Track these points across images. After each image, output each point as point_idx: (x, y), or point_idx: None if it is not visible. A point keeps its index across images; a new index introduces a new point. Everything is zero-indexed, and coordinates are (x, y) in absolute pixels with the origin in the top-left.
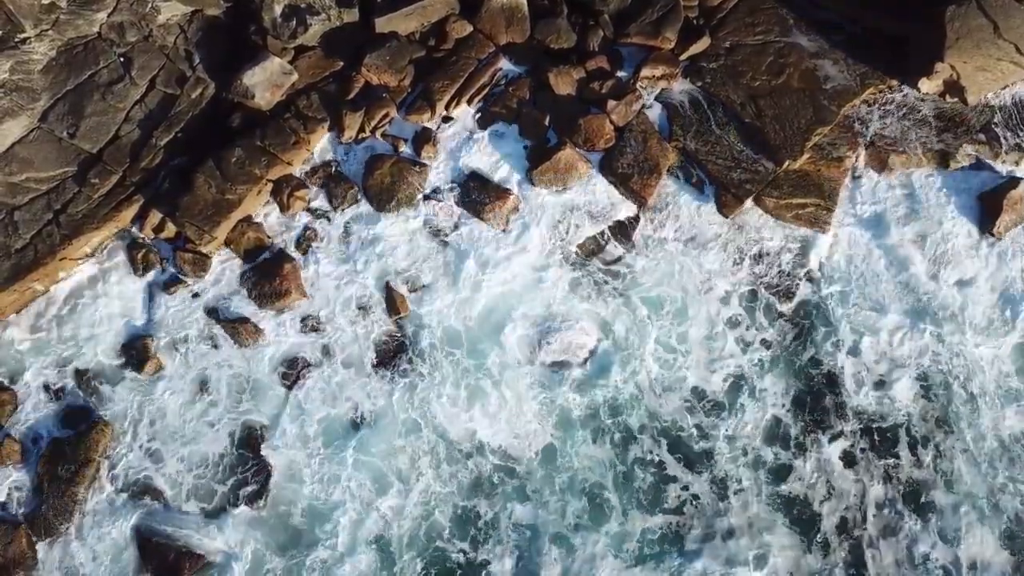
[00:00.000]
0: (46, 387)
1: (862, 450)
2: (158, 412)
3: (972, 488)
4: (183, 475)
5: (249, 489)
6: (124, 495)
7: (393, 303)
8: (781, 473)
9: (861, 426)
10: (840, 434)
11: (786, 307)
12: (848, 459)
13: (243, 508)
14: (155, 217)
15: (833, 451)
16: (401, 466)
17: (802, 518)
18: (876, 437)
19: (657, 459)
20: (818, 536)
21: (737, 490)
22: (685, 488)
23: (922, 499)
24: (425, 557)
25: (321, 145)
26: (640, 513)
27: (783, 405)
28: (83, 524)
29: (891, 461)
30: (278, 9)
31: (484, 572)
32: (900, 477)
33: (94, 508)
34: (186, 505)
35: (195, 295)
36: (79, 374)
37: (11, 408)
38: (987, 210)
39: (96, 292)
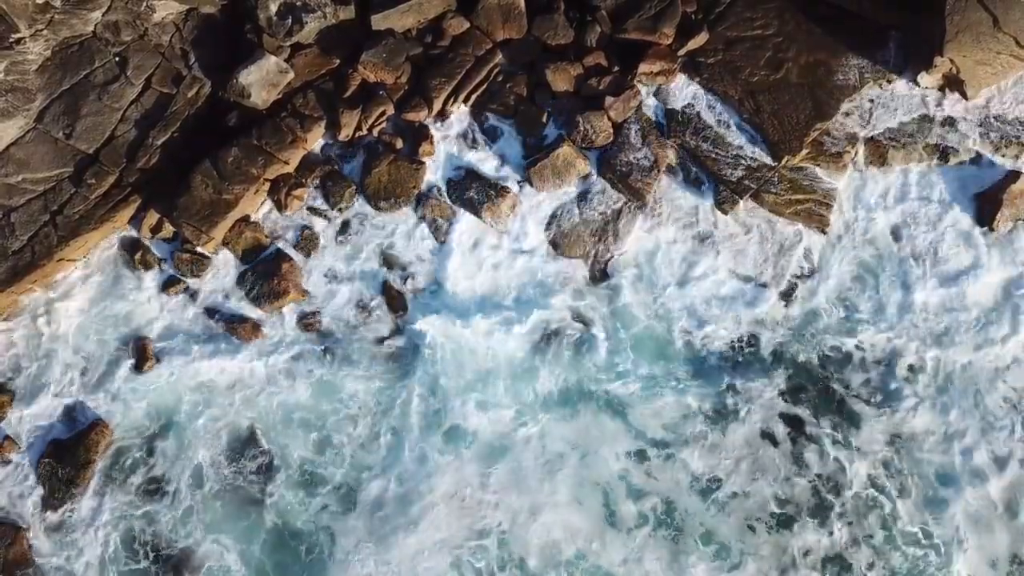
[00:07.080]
0: (46, 388)
1: None
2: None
3: None
4: None
5: None
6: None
7: (393, 301)
8: None
9: None
10: None
11: None
12: None
13: None
14: (152, 218)
15: None
16: None
17: None
18: None
19: None
20: None
21: None
22: None
23: None
24: None
25: (318, 144)
26: None
27: None
28: (82, 526)
29: None
30: (273, 7)
31: None
32: None
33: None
34: None
35: (193, 295)
36: (79, 374)
37: (9, 408)
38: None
39: (93, 293)
